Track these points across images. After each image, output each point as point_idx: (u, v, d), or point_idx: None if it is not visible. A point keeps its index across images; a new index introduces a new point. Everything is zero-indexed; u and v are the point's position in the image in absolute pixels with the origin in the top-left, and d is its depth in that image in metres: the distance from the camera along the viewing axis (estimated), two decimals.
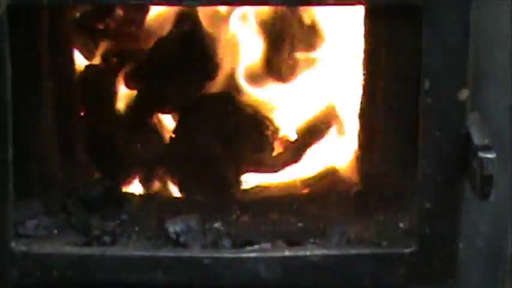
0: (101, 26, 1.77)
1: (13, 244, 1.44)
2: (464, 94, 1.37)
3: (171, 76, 1.71)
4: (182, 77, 1.71)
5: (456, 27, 1.37)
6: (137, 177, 1.70)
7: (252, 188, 1.73)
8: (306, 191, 1.69)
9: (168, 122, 1.74)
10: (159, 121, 1.73)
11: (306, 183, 1.72)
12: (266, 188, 1.72)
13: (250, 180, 1.72)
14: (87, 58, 1.73)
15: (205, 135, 1.69)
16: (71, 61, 1.61)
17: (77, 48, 1.68)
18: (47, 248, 1.49)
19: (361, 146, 1.62)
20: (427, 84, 1.38)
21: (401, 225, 1.49)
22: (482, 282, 1.65)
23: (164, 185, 1.69)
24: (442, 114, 1.37)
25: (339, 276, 1.49)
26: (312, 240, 1.52)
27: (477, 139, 1.37)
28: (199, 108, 1.71)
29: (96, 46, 1.74)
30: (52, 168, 1.61)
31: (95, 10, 1.73)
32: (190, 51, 1.70)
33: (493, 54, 1.54)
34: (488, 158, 1.34)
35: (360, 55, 1.58)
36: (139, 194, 1.66)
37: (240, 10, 1.70)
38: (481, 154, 1.34)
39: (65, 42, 1.60)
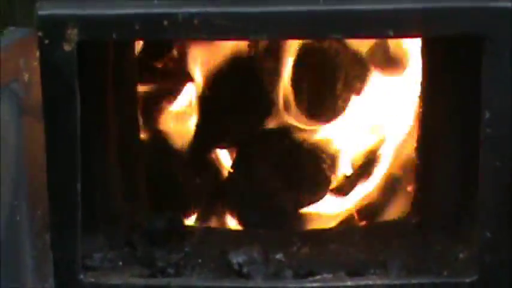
0: (161, 63, 1.73)
1: (81, 276, 1.43)
2: None
3: (230, 112, 1.70)
4: (240, 113, 1.69)
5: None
6: (198, 210, 1.69)
7: (311, 220, 1.69)
8: (364, 222, 1.67)
9: (226, 157, 1.71)
10: (217, 156, 1.72)
11: (365, 214, 1.70)
12: (326, 219, 1.69)
13: (310, 212, 1.68)
14: (148, 94, 1.72)
15: (264, 169, 1.67)
16: (134, 98, 1.60)
17: (139, 85, 1.67)
18: (114, 279, 1.50)
19: (419, 176, 1.60)
20: (487, 115, 1.36)
21: (461, 255, 1.46)
22: None
23: (224, 218, 1.68)
24: (502, 144, 1.35)
25: None
26: (372, 271, 1.50)
27: None
28: (258, 143, 1.69)
29: (157, 82, 1.72)
30: (116, 203, 1.59)
31: (157, 44, 1.71)
32: (249, 87, 1.70)
33: None
34: None
35: (417, 88, 1.56)
36: (201, 227, 1.65)
37: (297, 46, 1.67)
38: None
39: (128, 79, 1.58)
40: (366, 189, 1.71)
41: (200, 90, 1.71)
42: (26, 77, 1.27)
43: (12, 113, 1.24)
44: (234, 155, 1.71)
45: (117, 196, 1.57)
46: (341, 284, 1.47)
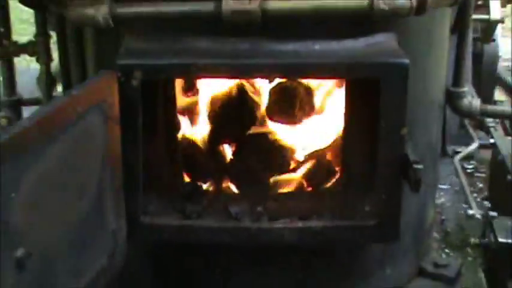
0: (191, 92, 1.68)
1: (141, 218, 1.42)
2: (404, 131, 1.35)
3: (230, 122, 1.67)
4: (237, 123, 1.66)
5: (397, 95, 1.32)
6: (211, 180, 1.65)
7: (279, 186, 1.64)
8: (310, 188, 1.63)
9: (229, 149, 1.68)
10: (223, 148, 1.68)
11: (311, 183, 1.64)
12: (286, 186, 1.64)
13: (277, 182, 1.64)
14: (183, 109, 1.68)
15: (251, 156, 1.64)
16: (174, 111, 1.55)
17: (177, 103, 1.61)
18: (161, 220, 1.46)
19: (344, 162, 1.58)
20: (383, 124, 1.34)
21: (367, 208, 1.46)
22: (411, 241, 1.64)
23: (227, 185, 1.64)
24: (391, 142, 1.36)
25: (330, 237, 1.46)
26: (314, 217, 1.46)
27: (412, 157, 1.35)
28: (247, 141, 1.66)
29: (188, 103, 1.69)
30: (163, 176, 1.53)
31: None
32: (242, 107, 1.66)
33: (416, 111, 1.49)
34: (418, 168, 1.32)
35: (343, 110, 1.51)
36: (213, 190, 1.62)
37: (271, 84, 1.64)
38: (414, 166, 1.32)
39: (170, 99, 1.53)
40: (312, 169, 1.64)
41: (213, 108, 1.67)
42: (109, 98, 1.26)
43: (100, 120, 1.23)
44: (234, 148, 1.67)
45: (164, 171, 1.53)
46: (295, 224, 1.44)
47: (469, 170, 2.13)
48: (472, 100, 1.70)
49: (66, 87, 1.55)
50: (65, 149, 1.11)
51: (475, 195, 1.97)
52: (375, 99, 1.34)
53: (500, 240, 1.53)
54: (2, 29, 1.78)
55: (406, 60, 1.31)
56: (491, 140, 1.87)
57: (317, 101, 1.66)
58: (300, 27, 1.34)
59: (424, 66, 1.51)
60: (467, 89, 1.72)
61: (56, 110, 1.09)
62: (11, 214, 0.97)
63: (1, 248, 0.94)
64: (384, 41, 1.35)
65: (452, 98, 1.69)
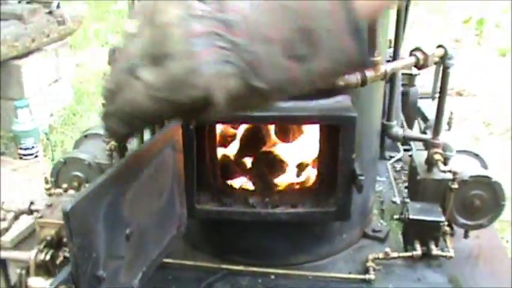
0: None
1: (196, 205, 1.45)
2: (353, 156, 1.38)
3: (250, 144, 1.68)
4: (253, 145, 1.68)
5: (350, 134, 1.37)
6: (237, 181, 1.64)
7: (279, 186, 1.63)
8: (298, 187, 1.62)
9: (249, 160, 1.65)
10: (246, 161, 1.67)
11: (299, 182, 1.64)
12: (284, 183, 1.63)
13: (278, 183, 1.64)
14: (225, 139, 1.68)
15: (262, 164, 1.65)
16: (214, 137, 1.54)
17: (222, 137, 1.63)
18: (207, 207, 1.48)
19: (319, 171, 1.56)
20: (341, 150, 1.37)
21: (331, 200, 1.48)
22: (359, 217, 1.65)
23: (247, 184, 1.63)
24: (346, 162, 1.40)
25: (309, 218, 1.50)
26: (299, 206, 1.49)
27: (358, 171, 1.38)
28: (261, 154, 1.67)
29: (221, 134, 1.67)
30: (208, 178, 1.51)
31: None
32: (258, 135, 1.68)
33: (363, 139, 1.52)
34: (361, 179, 1.36)
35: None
36: (238, 189, 1.62)
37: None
38: (359, 177, 1.37)
39: (211, 130, 1.51)
40: (299, 174, 1.66)
41: (242, 135, 1.67)
42: (177, 137, 1.25)
43: (171, 151, 1.20)
44: (252, 160, 1.65)
45: (209, 176, 1.52)
46: (288, 210, 1.48)
47: (397, 169, 2.16)
48: (398, 130, 1.79)
49: (152, 133, 1.54)
50: (151, 171, 1.18)
51: (400, 185, 2.01)
52: (336, 135, 1.36)
53: (411, 217, 1.62)
54: None
55: (355, 114, 1.33)
56: (410, 153, 1.99)
57: (304, 131, 1.64)
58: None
59: (368, 112, 1.52)
60: (395, 122, 1.80)
61: (146, 149, 1.18)
62: (123, 209, 1.06)
63: (118, 229, 1.03)
64: (342, 100, 1.36)
65: (385, 128, 1.73)
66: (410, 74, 2.24)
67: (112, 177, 1.01)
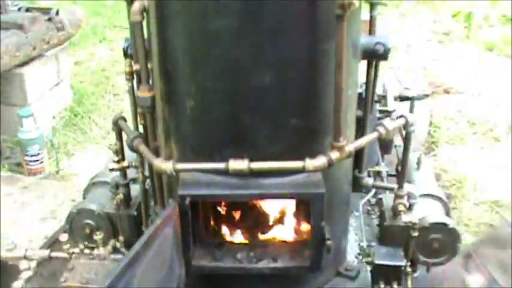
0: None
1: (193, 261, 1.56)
2: (323, 223, 1.49)
3: (243, 214, 1.73)
4: (249, 217, 1.72)
5: (318, 207, 1.47)
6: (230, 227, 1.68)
7: (262, 238, 1.70)
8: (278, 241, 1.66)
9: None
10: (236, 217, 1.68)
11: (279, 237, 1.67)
12: (266, 237, 1.69)
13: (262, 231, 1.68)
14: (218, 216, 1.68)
15: (251, 216, 1.72)
16: (208, 215, 1.66)
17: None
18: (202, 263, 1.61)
19: (297, 232, 1.65)
20: (312, 219, 1.48)
21: (305, 255, 1.59)
22: (332, 261, 1.73)
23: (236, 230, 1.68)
24: (317, 227, 1.48)
25: (287, 270, 1.60)
26: (279, 260, 1.61)
27: (327, 235, 1.48)
28: (247, 209, 1.69)
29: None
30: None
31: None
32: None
33: (333, 205, 1.61)
34: (329, 243, 1.48)
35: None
36: (229, 241, 1.68)
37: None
38: (327, 242, 1.48)
39: (208, 208, 1.63)
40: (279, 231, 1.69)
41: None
42: (175, 215, 1.41)
43: (171, 226, 1.39)
44: (239, 213, 1.69)
45: (203, 234, 1.64)
46: (269, 265, 1.60)
47: (372, 203, 2.29)
48: (368, 180, 1.90)
49: (155, 203, 1.69)
50: (157, 243, 1.38)
51: (374, 220, 2.11)
52: (308, 206, 1.48)
53: (377, 262, 1.81)
54: None
55: (323, 190, 1.45)
56: (379, 196, 2.11)
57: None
58: (270, 173, 1.48)
59: (338, 181, 1.64)
60: (365, 173, 1.88)
61: (154, 231, 1.42)
62: (133, 283, 1.34)
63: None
64: (313, 177, 1.47)
65: (356, 179, 1.87)
66: (387, 111, 2.40)
67: (126, 265, 1.30)
